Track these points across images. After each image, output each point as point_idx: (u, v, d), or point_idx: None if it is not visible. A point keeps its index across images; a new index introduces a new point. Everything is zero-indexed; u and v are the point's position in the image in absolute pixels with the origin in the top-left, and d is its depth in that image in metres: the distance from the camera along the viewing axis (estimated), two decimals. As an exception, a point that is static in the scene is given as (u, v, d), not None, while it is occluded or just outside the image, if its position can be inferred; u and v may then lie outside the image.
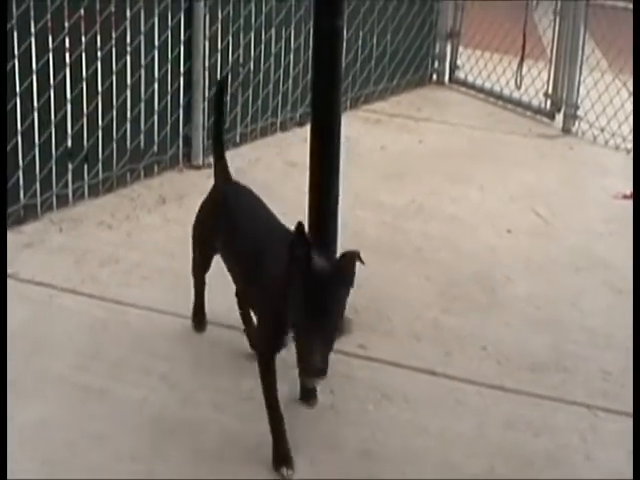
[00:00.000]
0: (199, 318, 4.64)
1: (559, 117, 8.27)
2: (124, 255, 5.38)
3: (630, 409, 4.21)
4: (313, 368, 3.18)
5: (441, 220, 6.16)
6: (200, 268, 4.47)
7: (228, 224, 4.08)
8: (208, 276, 4.53)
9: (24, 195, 5.62)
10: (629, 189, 6.65)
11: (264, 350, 3.74)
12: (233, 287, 4.27)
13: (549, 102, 8.34)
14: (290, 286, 3.31)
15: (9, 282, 4.83)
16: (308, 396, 4.08)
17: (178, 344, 4.58)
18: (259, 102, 7.26)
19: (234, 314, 4.64)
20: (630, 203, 6.54)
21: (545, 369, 4.54)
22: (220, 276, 4.25)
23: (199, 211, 4.39)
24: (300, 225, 3.31)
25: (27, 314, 4.73)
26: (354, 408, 4.14)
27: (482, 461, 3.90)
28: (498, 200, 6.54)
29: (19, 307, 4.72)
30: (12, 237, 5.39)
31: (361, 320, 4.83)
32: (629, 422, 4.15)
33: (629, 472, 3.83)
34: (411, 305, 5.06)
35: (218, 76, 6.62)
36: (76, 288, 5.00)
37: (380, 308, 4.98)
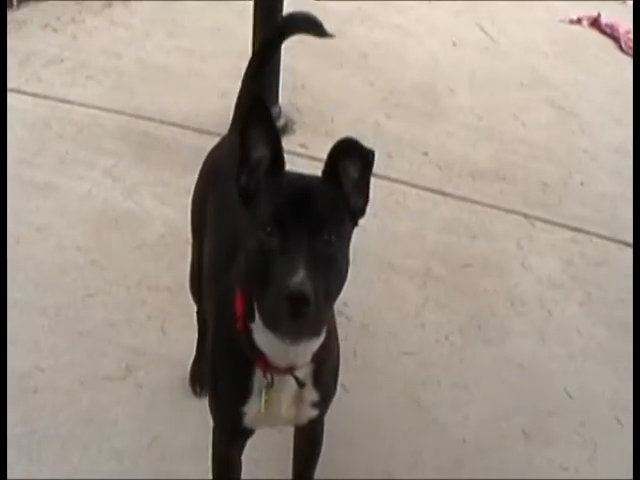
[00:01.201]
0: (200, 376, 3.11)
1: None
2: (69, 56, 5.22)
3: (567, 221, 4.28)
4: (288, 287, 1.78)
5: (387, 29, 6.05)
6: (200, 275, 2.66)
7: (217, 195, 2.62)
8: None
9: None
10: (576, 14, 6.59)
11: (216, 409, 2.34)
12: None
13: None
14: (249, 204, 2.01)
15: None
16: None
17: (122, 140, 4.49)
18: None
19: (181, 111, 4.66)
20: (577, 28, 6.50)
21: (485, 177, 4.55)
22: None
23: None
24: (258, 99, 2.01)
25: (-31, 117, 4.59)
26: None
27: (419, 261, 3.93)
28: (444, 13, 6.42)
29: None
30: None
31: (303, 120, 4.78)
32: (565, 233, 4.23)
33: (561, 279, 3.92)
34: (354, 108, 5.00)
35: None
36: (20, 87, 4.84)
37: (323, 110, 4.91)
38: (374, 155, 1.95)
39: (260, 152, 1.98)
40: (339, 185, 1.96)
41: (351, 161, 1.95)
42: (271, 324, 1.86)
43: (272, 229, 1.86)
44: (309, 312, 1.78)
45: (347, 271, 1.95)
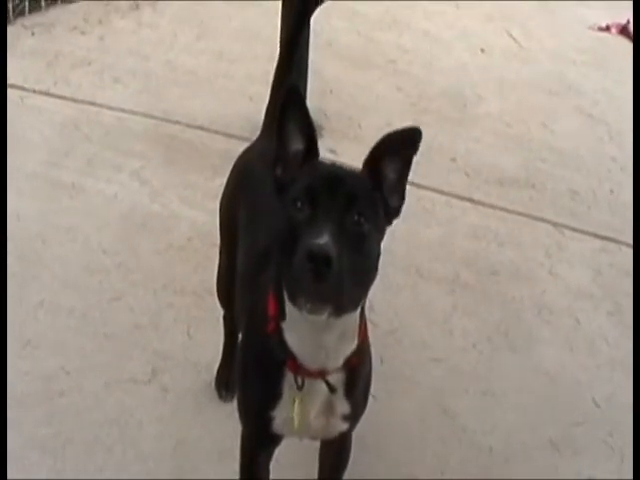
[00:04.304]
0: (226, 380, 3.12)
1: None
2: (96, 58, 5.22)
3: (596, 230, 4.24)
4: (310, 246, 1.75)
5: (415, 34, 6.02)
6: (228, 279, 2.72)
7: (248, 198, 2.62)
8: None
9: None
10: (605, 21, 6.55)
11: (245, 412, 2.31)
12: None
13: None
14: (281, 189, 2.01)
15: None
16: None
17: (149, 143, 4.48)
18: None
19: (209, 115, 4.63)
20: (605, 35, 6.46)
21: (514, 184, 4.52)
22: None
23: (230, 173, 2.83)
24: (293, 88, 2.05)
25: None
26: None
27: (447, 268, 3.90)
28: (473, 19, 6.39)
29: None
30: (-17, 43, 5.19)
31: (332, 125, 4.75)
32: (594, 242, 4.19)
33: (590, 288, 3.88)
34: (382, 113, 4.96)
35: None
36: (48, 89, 4.83)
37: (351, 114, 4.89)
38: (416, 150, 2.00)
39: (296, 142, 2.00)
40: (378, 178, 1.97)
41: (392, 158, 1.99)
42: (293, 291, 1.83)
43: (302, 204, 1.87)
44: (330, 275, 1.74)
45: (377, 265, 1.92)
